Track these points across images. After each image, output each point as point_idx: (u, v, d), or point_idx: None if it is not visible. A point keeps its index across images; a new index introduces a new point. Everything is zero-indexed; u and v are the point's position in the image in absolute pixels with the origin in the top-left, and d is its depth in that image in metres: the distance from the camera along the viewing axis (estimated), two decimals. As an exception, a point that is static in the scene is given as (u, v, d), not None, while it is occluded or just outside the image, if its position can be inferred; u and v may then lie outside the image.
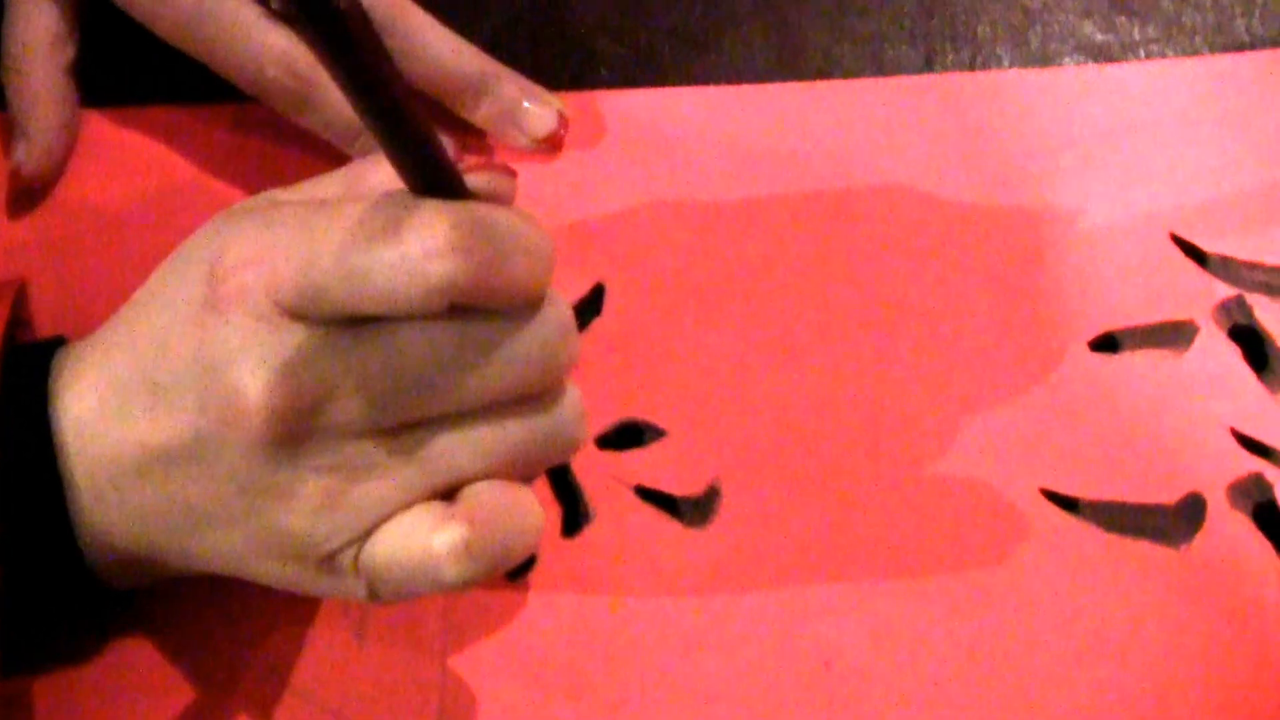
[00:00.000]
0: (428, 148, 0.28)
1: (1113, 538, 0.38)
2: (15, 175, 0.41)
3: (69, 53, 0.42)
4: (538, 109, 0.42)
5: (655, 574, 0.38)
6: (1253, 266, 0.40)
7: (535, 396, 0.32)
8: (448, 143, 0.41)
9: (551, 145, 0.42)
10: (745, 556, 0.38)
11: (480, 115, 0.42)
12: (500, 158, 0.42)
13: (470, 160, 0.31)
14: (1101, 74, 0.43)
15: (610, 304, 0.41)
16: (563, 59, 0.44)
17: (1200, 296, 0.40)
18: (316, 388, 0.30)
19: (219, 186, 0.42)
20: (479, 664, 0.37)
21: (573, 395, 0.33)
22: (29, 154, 0.41)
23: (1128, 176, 0.41)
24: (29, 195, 0.42)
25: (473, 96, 0.41)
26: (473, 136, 0.42)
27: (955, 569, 0.37)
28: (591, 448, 0.39)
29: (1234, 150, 0.41)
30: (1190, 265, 0.40)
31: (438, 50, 0.41)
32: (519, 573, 0.38)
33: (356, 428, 0.30)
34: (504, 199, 0.31)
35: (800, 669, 0.37)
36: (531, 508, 0.32)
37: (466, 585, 0.31)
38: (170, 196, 0.42)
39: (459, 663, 0.37)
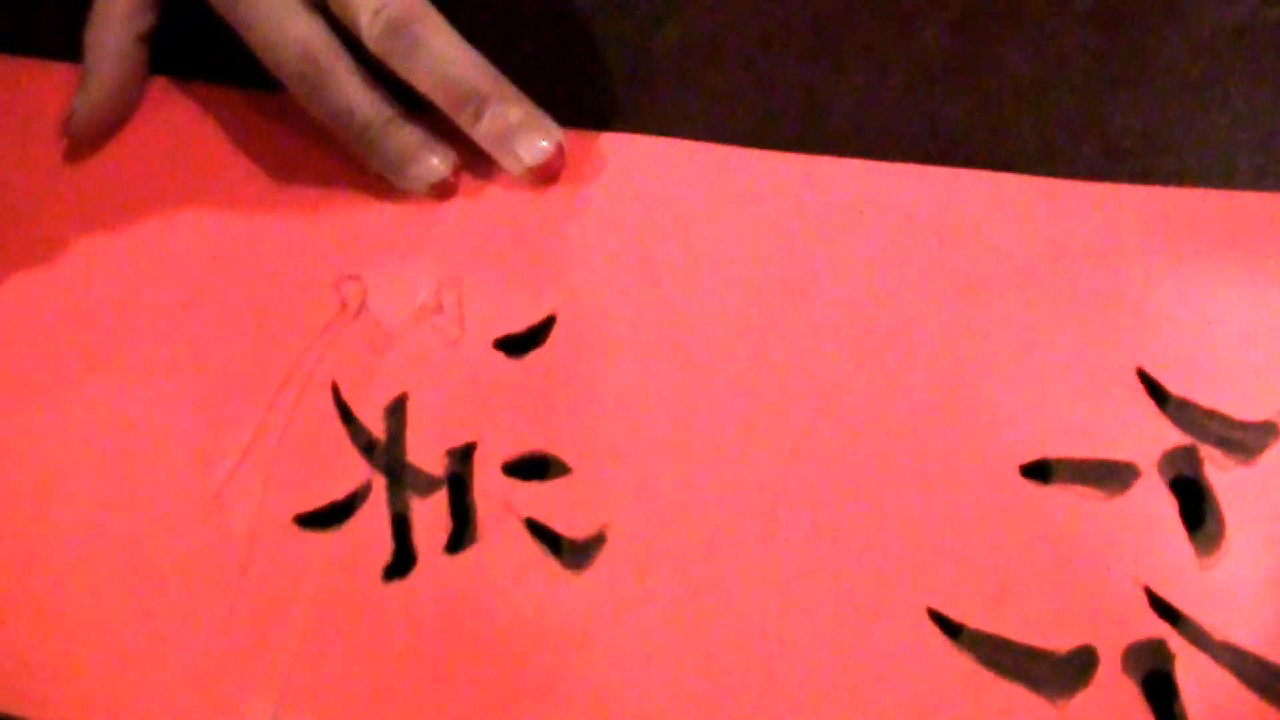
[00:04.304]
0: None
1: (988, 675, 0.35)
2: (68, 123, 0.46)
3: (146, 21, 0.46)
4: (537, 136, 0.42)
5: (519, 607, 0.38)
6: (1212, 415, 0.36)
7: None
8: (448, 156, 0.43)
9: (547, 177, 0.43)
10: (605, 609, 0.37)
11: (479, 132, 0.42)
12: (500, 181, 0.43)
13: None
14: (1098, 191, 0.40)
15: (556, 337, 0.41)
16: (584, 97, 0.44)
17: (1151, 440, 0.36)
18: None
19: (243, 169, 0.45)
20: (336, 652, 0.38)
21: None
22: (84, 106, 0.45)
23: (1108, 299, 0.38)
24: (84, 144, 0.47)
25: (474, 111, 0.42)
26: (477, 157, 0.43)
27: (817, 668, 0.36)
28: (497, 472, 0.39)
29: (1229, 289, 0.38)
30: (1149, 404, 0.37)
31: (445, 57, 0.42)
32: (395, 574, 0.39)
33: None
34: None
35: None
36: None
37: None
38: (197, 168, 0.45)
39: (315, 648, 0.39)
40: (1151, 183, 0.40)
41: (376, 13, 0.42)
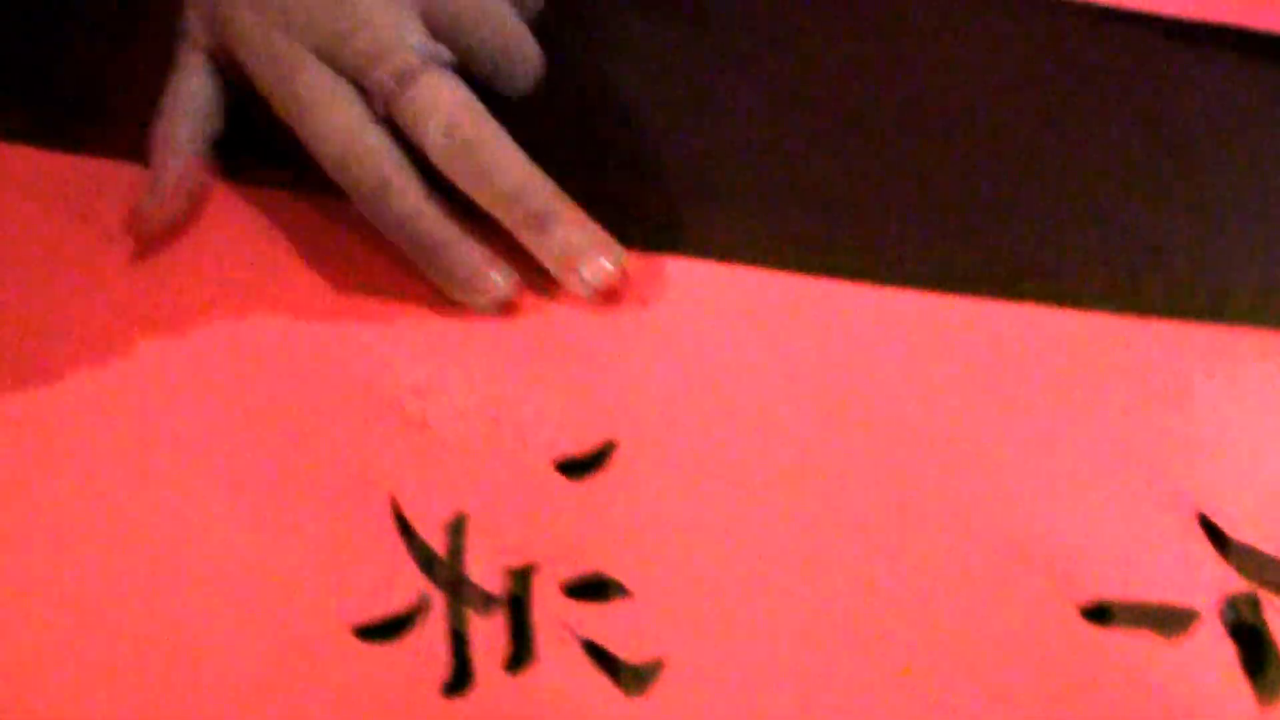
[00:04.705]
0: None
1: (1047, 818, 0.35)
2: (134, 224, 0.46)
3: (213, 126, 0.47)
4: (601, 257, 0.43)
5: (577, 729, 0.38)
6: (1275, 562, 0.37)
7: None
8: (510, 275, 0.44)
9: (610, 299, 0.43)
10: (665, 735, 0.38)
11: (541, 251, 0.43)
12: (562, 299, 0.44)
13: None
14: (1158, 329, 0.41)
15: (616, 462, 0.41)
16: (642, 219, 0.45)
17: (1211, 584, 0.37)
18: None
19: (306, 276, 0.46)
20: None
21: None
22: (152, 208, 0.46)
23: (1168, 440, 0.39)
24: (149, 245, 0.47)
25: (537, 230, 0.43)
26: (538, 272, 0.44)
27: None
28: (556, 592, 0.40)
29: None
30: (1209, 549, 0.37)
31: (512, 176, 0.43)
32: (455, 691, 0.39)
33: None
34: None
35: None
36: None
37: None
38: (260, 275, 0.46)
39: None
40: (1213, 306, 0.41)
41: (448, 131, 0.43)
